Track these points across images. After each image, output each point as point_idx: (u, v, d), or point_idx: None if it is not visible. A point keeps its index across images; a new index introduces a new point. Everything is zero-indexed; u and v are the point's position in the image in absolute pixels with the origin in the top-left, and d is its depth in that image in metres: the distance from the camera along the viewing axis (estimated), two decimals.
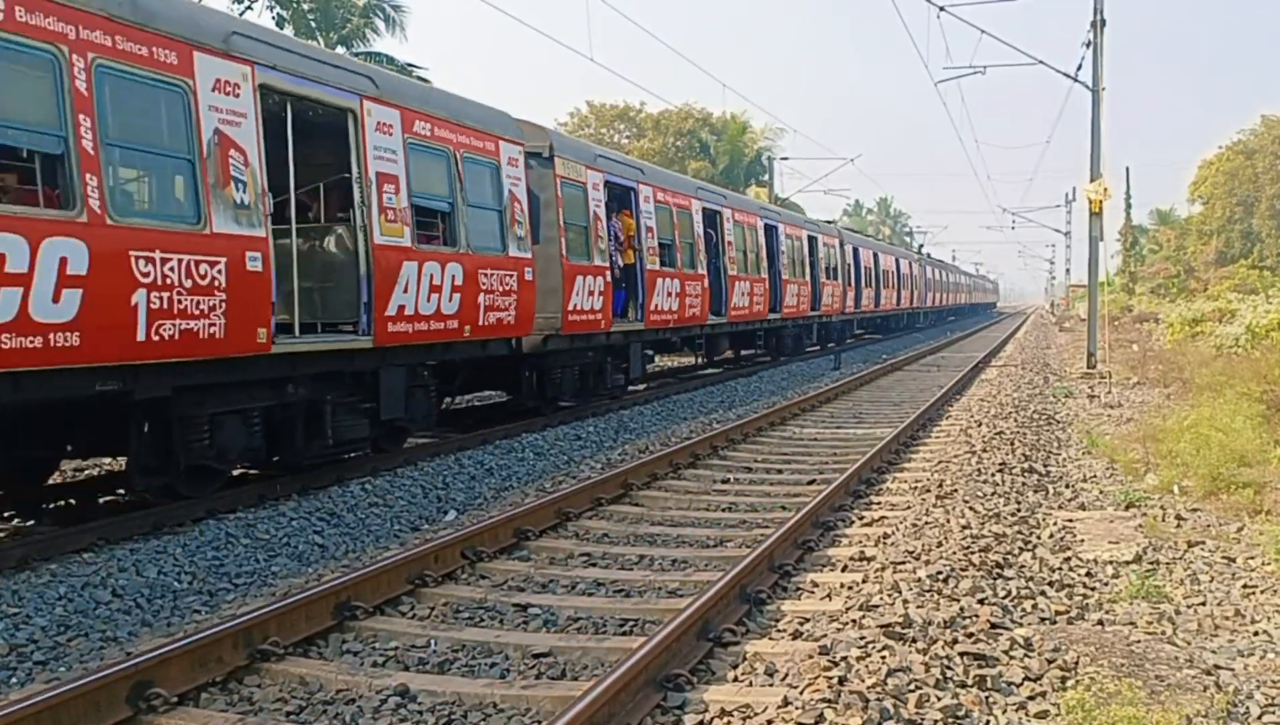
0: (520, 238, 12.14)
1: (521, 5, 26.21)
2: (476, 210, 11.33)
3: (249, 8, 25.24)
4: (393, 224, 9.88)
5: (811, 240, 28.26)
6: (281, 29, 25.43)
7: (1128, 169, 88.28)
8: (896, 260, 44.12)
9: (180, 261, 7.59)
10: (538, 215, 12.82)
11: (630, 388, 16.80)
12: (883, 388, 19.85)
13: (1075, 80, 22.57)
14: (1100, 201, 21.10)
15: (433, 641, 5.56)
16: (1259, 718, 4.36)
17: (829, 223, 33.96)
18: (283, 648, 5.28)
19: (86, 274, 6.83)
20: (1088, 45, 21.80)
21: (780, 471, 10.73)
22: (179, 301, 7.55)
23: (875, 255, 38.58)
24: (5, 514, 8.49)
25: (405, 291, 9.97)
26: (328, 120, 9.67)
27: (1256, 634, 5.43)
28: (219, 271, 7.93)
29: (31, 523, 8.40)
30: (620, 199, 15.82)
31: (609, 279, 14.88)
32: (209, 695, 4.88)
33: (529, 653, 5.37)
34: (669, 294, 17.12)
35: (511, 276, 11.88)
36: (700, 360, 22.58)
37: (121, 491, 9.37)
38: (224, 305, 7.95)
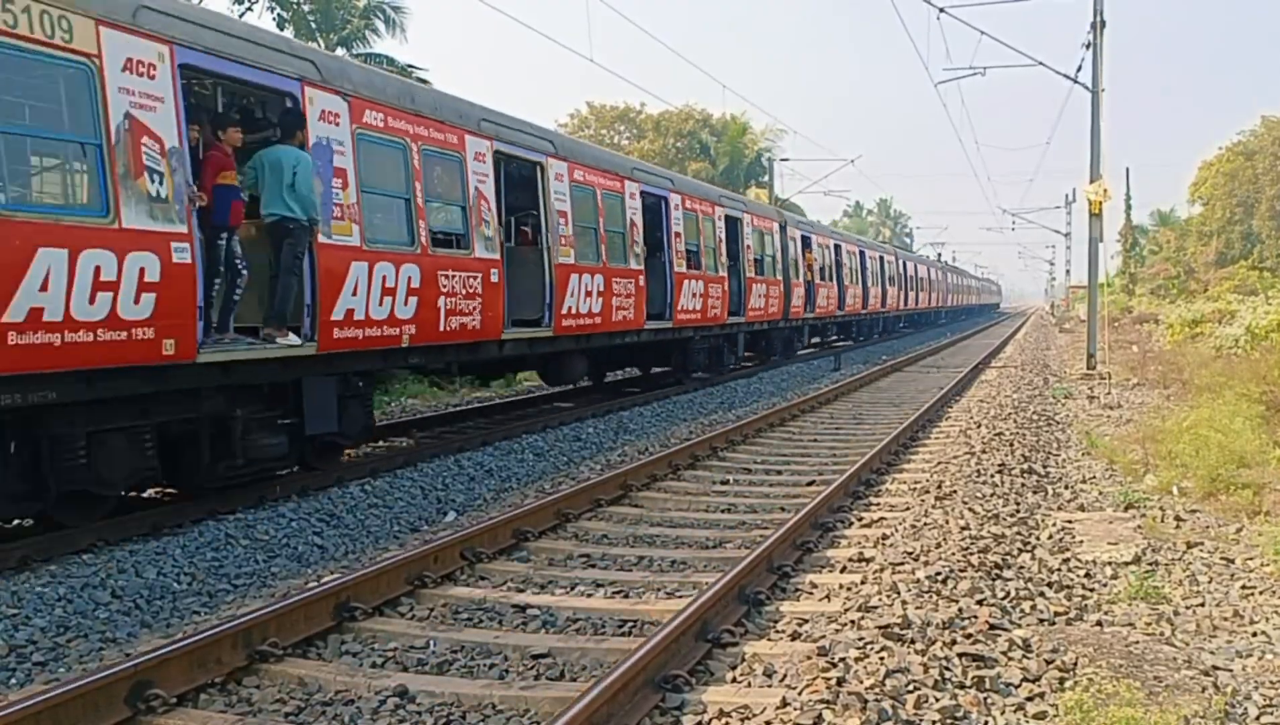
0: (775, 266, 24.17)
1: (522, 6, 26.20)
2: (770, 259, 23.72)
3: (249, 9, 25.23)
4: (756, 268, 22.56)
5: (882, 259, 39.92)
6: (282, 30, 25.45)
7: (1128, 170, 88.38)
8: (929, 269, 56.38)
9: (710, 286, 19.25)
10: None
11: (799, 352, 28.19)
12: (882, 389, 19.85)
13: (1075, 81, 22.58)
14: (1100, 202, 21.10)
15: (432, 642, 5.56)
16: (1257, 718, 4.36)
17: (886, 244, 49.00)
18: (282, 648, 5.28)
19: (704, 291, 18.75)
20: (1087, 46, 21.80)
21: (779, 473, 10.73)
22: (712, 302, 19.11)
23: (917, 266, 51.09)
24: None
25: (753, 299, 22.04)
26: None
27: (1255, 635, 5.44)
28: (719, 291, 19.88)
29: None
30: (805, 243, 27.46)
31: (804, 290, 26.78)
32: (208, 696, 4.88)
33: (528, 653, 5.37)
34: (823, 296, 29.32)
35: (779, 288, 24.14)
36: (834, 337, 35.18)
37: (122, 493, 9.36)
38: (720, 302, 19.59)
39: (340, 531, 8.36)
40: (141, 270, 7.16)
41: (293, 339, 8.77)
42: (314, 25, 27.46)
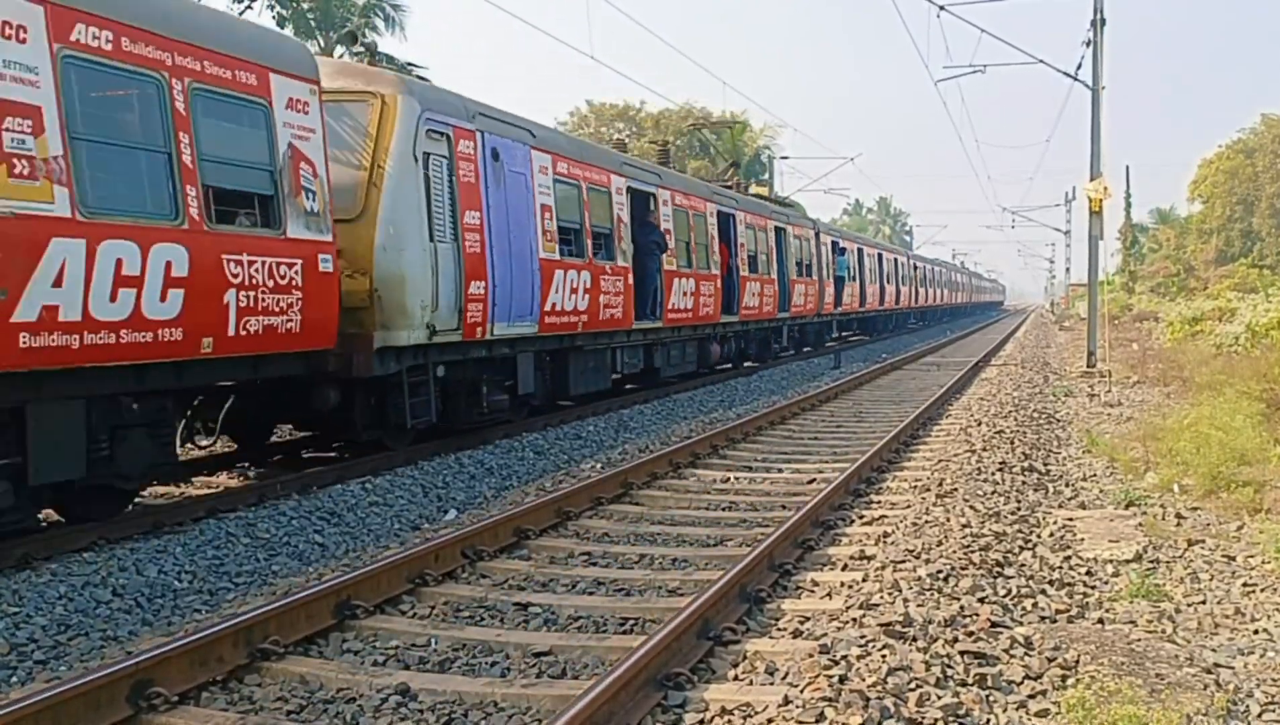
0: (907, 280, 45.69)
1: (523, 4, 26.19)
2: (904, 276, 45.59)
3: (248, 7, 25.21)
4: (900, 282, 44.55)
5: (941, 271, 61.34)
6: (282, 28, 25.43)
7: (1128, 168, 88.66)
8: (961, 276, 78.06)
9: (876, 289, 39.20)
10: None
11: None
12: (882, 387, 19.84)
13: (1075, 79, 22.59)
14: (1100, 200, 21.09)
15: (433, 640, 5.56)
16: (1259, 716, 4.36)
17: (937, 258, 70.00)
18: (283, 647, 5.28)
19: (875, 292, 38.35)
20: (1088, 44, 21.81)
21: (780, 470, 10.73)
22: (876, 297, 37.97)
23: (955, 274, 73.74)
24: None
25: (908, 297, 46.18)
26: None
27: (1256, 632, 5.44)
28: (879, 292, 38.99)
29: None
30: (913, 266, 47.35)
31: (912, 290, 44.67)
32: (209, 694, 4.87)
33: (529, 651, 5.36)
34: (920, 296, 47.93)
35: (909, 288, 45.44)
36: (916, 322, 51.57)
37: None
38: (885, 297, 40.30)
39: (341, 529, 8.36)
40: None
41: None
42: (314, 23, 27.45)
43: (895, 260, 43.61)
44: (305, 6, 27.10)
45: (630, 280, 15.15)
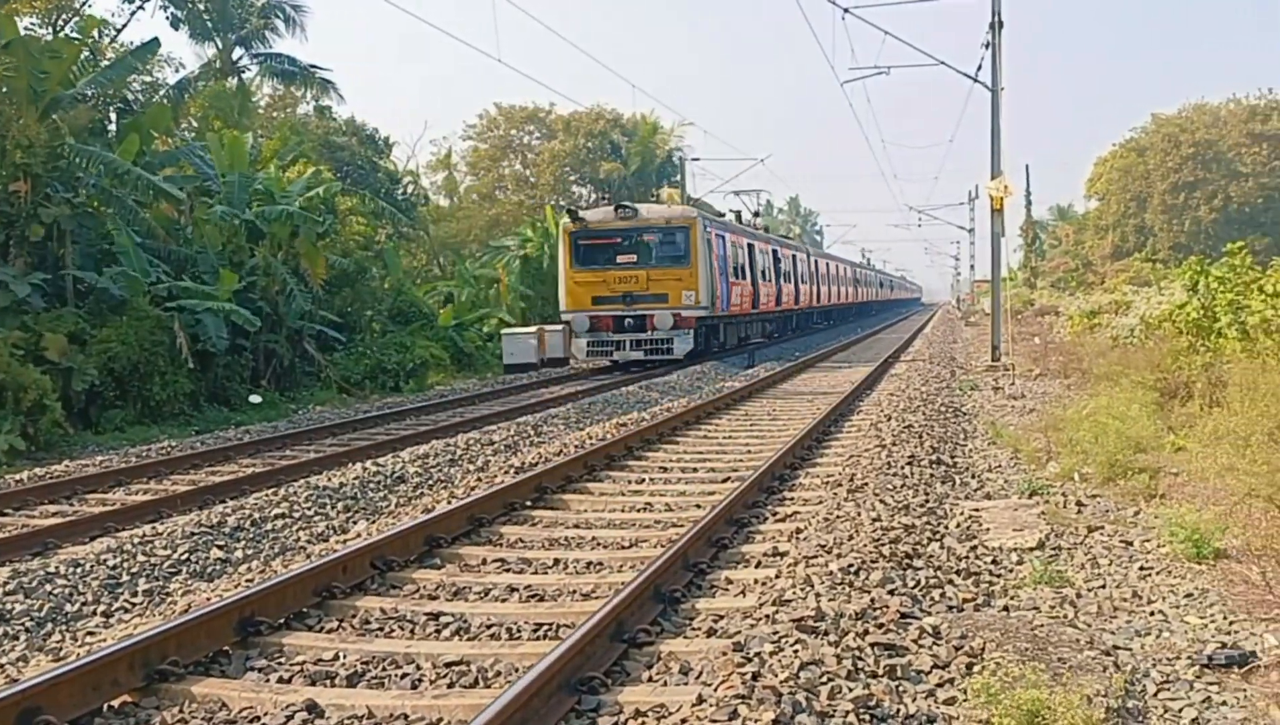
0: (877, 284, 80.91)
1: (429, 6, 25.86)
2: (870, 280, 77.13)
3: (140, 8, 24.40)
4: (883, 286, 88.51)
5: (889, 278, 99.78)
6: (177, 30, 24.73)
7: (1027, 166, 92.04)
8: (891, 278, 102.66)
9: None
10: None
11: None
12: (795, 385, 20.08)
13: (976, 80, 23.18)
14: (1001, 199, 21.68)
15: (341, 654, 5.41)
16: (1155, 695, 4.50)
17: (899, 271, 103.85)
18: (183, 667, 5.09)
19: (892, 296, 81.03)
20: (987, 46, 22.39)
21: (695, 470, 10.75)
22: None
23: (891, 278, 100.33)
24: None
25: (866, 293, 75.43)
26: None
27: (1153, 614, 5.61)
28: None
29: None
30: (883, 281, 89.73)
31: (871, 289, 74.95)
32: (103, 721, 4.67)
33: (441, 662, 5.25)
34: (867, 293, 70.44)
35: (868, 290, 71.61)
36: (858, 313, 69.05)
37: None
38: (846, 295, 61.42)
39: (245, 543, 8.12)
40: None
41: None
42: (210, 25, 26.69)
43: (852, 270, 62.00)
44: (201, 7, 26.30)
45: (778, 288, 34.02)
